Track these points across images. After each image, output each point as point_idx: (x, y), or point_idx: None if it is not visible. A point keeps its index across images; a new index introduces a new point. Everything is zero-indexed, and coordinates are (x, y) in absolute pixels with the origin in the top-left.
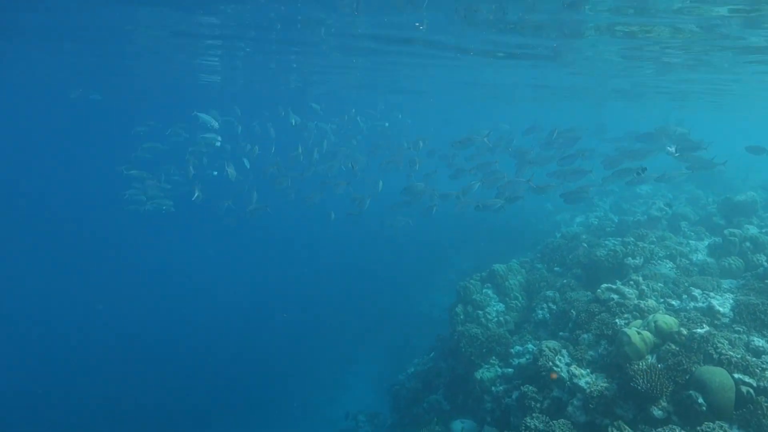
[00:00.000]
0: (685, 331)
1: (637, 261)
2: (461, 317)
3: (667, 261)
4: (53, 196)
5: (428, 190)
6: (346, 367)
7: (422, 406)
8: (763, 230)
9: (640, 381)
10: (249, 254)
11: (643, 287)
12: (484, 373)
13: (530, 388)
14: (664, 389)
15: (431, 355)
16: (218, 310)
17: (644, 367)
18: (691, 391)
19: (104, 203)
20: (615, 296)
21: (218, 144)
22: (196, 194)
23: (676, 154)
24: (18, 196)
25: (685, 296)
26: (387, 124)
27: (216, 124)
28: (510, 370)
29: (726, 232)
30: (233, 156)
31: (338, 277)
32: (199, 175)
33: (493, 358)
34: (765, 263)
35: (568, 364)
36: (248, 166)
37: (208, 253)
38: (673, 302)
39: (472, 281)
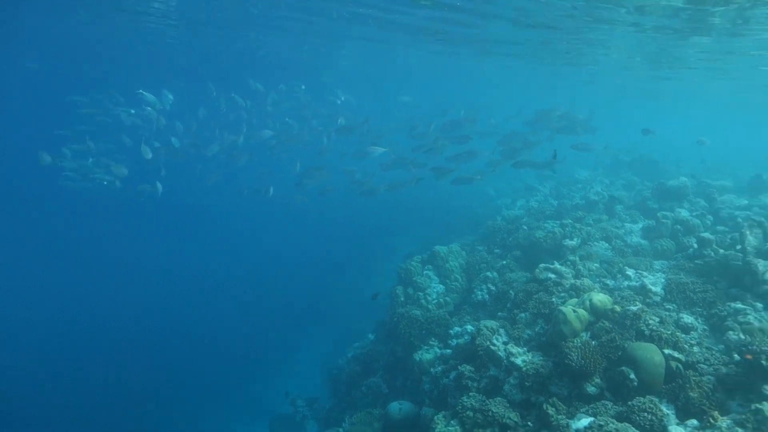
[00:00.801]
0: (618, 309)
1: (574, 242)
2: (402, 299)
3: (603, 242)
4: None
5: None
6: (290, 354)
7: (360, 389)
8: (694, 214)
9: (575, 358)
10: (190, 244)
11: (580, 267)
12: (423, 355)
13: (468, 367)
14: (598, 366)
15: (371, 338)
16: (158, 303)
17: (579, 344)
18: (623, 367)
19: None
20: (552, 276)
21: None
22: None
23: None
24: None
25: (619, 276)
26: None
27: (155, 100)
28: (449, 351)
29: (659, 215)
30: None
31: (281, 267)
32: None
33: (433, 339)
34: (695, 245)
35: (505, 343)
36: (177, 146)
37: (139, 242)
38: (608, 281)
39: (413, 263)
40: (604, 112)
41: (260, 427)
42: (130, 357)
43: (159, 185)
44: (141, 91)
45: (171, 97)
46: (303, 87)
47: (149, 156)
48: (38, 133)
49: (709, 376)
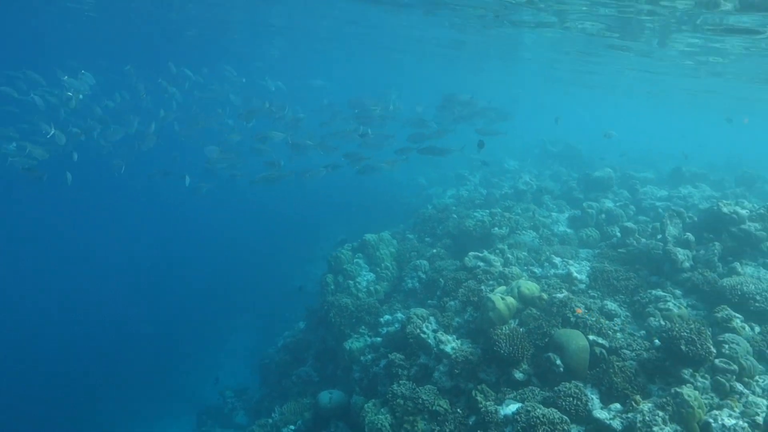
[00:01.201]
0: (545, 296)
1: (503, 231)
2: (332, 287)
3: (531, 231)
4: None
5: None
6: (220, 345)
7: (291, 378)
8: (618, 204)
9: (503, 345)
10: (115, 232)
11: (508, 255)
12: (353, 343)
13: (398, 355)
14: (525, 352)
15: (301, 326)
16: (81, 292)
17: (507, 331)
18: (550, 354)
19: None
20: (481, 264)
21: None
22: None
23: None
24: None
25: (546, 264)
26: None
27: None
28: (379, 339)
29: (584, 204)
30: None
31: (208, 256)
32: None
33: (363, 327)
34: (618, 234)
35: (435, 331)
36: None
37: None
38: (536, 270)
39: (343, 251)
40: (532, 102)
41: (189, 421)
42: (52, 351)
43: (68, 175)
44: (66, 77)
45: (91, 79)
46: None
47: (62, 141)
48: None
49: (632, 361)
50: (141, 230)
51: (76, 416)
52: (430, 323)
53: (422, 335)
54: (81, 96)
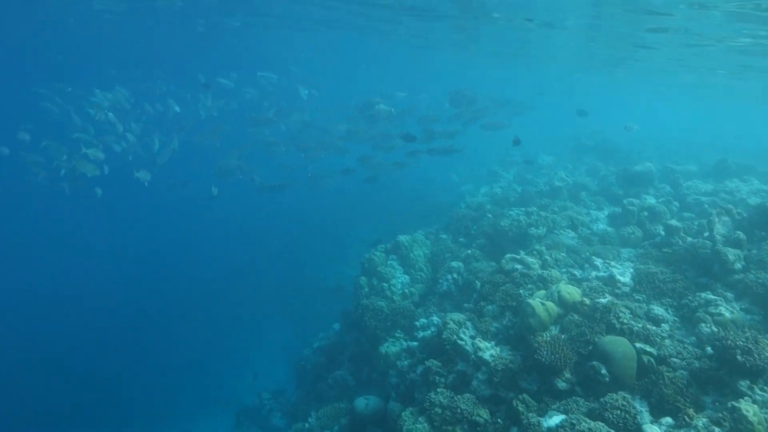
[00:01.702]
0: (587, 301)
1: (540, 231)
2: (366, 290)
3: (569, 230)
4: None
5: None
6: (257, 344)
7: (327, 381)
8: (660, 200)
9: (544, 353)
10: (157, 235)
11: (546, 257)
12: (389, 347)
13: (434, 362)
14: (568, 361)
15: (336, 328)
16: (122, 293)
17: (548, 338)
18: (594, 362)
19: None
20: (519, 266)
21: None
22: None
23: None
24: None
25: (587, 266)
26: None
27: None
28: (415, 343)
29: (625, 201)
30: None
31: (246, 257)
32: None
33: (398, 331)
34: (662, 232)
35: (472, 337)
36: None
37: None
38: (576, 272)
39: (376, 253)
40: (570, 97)
41: (226, 418)
42: (93, 348)
43: (99, 190)
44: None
45: (125, 92)
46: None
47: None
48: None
49: (683, 371)
50: (178, 232)
51: (116, 414)
52: (468, 329)
53: (459, 341)
54: (109, 113)
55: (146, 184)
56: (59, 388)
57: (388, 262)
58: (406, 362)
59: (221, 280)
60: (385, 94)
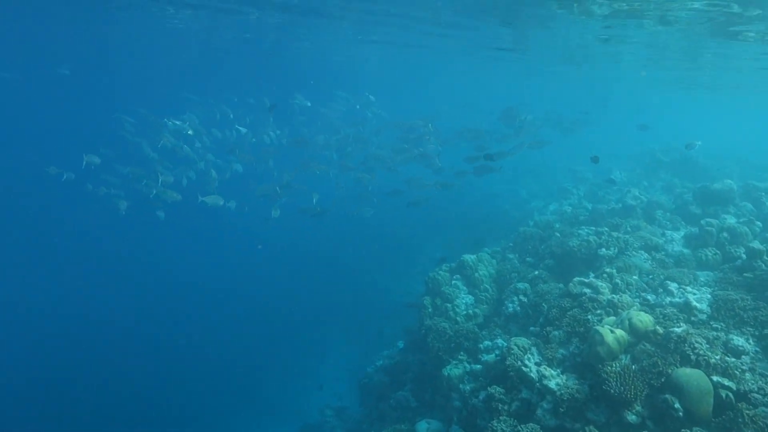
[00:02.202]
0: (660, 330)
1: (610, 252)
2: (429, 310)
3: (642, 252)
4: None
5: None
6: (321, 358)
7: (389, 402)
8: (741, 220)
9: (613, 384)
10: (218, 250)
11: (617, 280)
12: (452, 370)
13: (497, 389)
14: (639, 393)
15: (400, 346)
16: (194, 307)
17: (617, 368)
18: (667, 395)
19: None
20: (587, 290)
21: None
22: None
23: None
24: None
25: (660, 290)
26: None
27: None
28: (478, 366)
29: (703, 222)
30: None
31: (312, 270)
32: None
33: (462, 353)
34: (743, 255)
35: (537, 364)
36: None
37: (177, 248)
38: (649, 297)
39: (440, 272)
40: (640, 109)
41: None
42: (158, 363)
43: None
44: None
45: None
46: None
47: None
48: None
49: (764, 408)
50: (246, 247)
51: (184, 425)
52: (533, 355)
53: (524, 368)
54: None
55: (231, 208)
56: (126, 395)
57: (453, 282)
58: (468, 386)
59: (289, 295)
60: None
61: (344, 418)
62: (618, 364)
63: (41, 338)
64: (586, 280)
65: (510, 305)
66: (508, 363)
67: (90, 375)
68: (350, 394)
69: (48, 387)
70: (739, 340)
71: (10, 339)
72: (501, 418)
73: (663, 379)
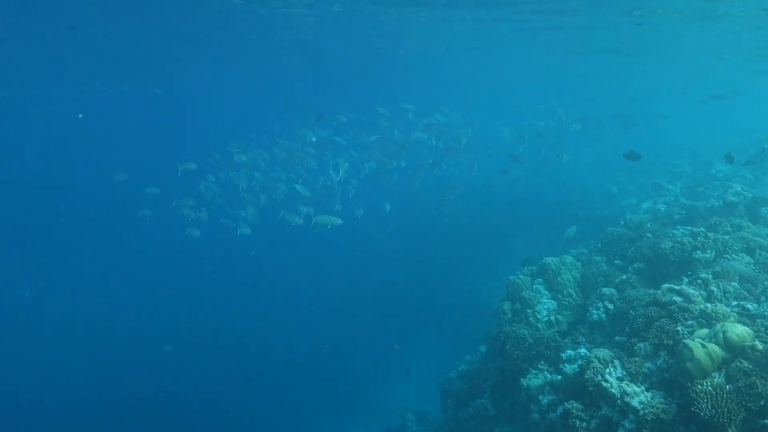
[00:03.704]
0: (760, 346)
1: (707, 255)
2: (509, 316)
3: (744, 255)
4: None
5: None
6: (406, 359)
7: (467, 410)
8: None
9: (704, 405)
10: (303, 248)
11: (713, 288)
12: (531, 380)
13: (575, 404)
14: (734, 417)
15: (482, 351)
16: (279, 305)
17: (709, 388)
18: (767, 421)
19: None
20: (678, 298)
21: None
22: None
23: None
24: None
25: (763, 299)
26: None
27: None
28: (559, 377)
29: None
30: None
31: (398, 269)
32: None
33: (542, 362)
34: None
35: (620, 379)
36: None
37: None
38: (749, 306)
39: (521, 276)
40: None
41: None
42: (248, 365)
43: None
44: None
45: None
46: None
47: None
48: None
49: None
50: (335, 247)
51: (274, 426)
52: (615, 368)
53: (604, 383)
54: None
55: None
56: (212, 398)
57: (534, 286)
58: (548, 398)
59: (376, 292)
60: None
61: (425, 422)
62: (710, 383)
63: (133, 341)
64: (677, 288)
65: (595, 312)
66: (587, 377)
67: (174, 378)
68: (434, 400)
69: (139, 390)
70: None
71: (104, 342)
72: None
73: (762, 402)
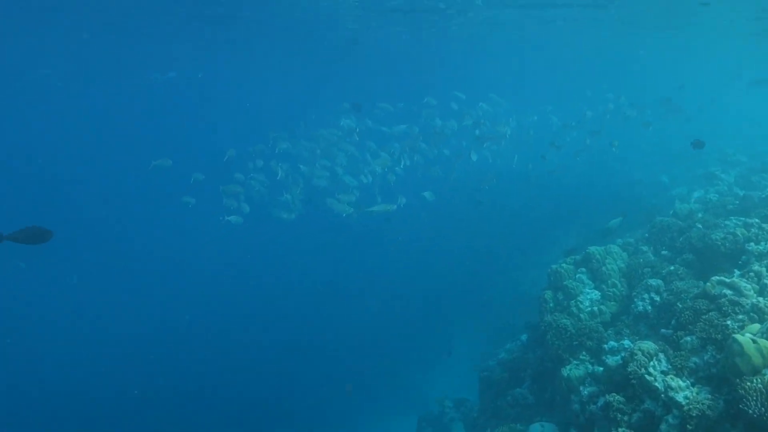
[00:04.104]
0: None
1: (761, 247)
2: (550, 305)
3: None
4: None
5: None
6: (449, 340)
7: (506, 399)
8: None
9: (752, 404)
10: (345, 239)
11: (766, 281)
12: (572, 371)
13: (617, 397)
14: None
15: (523, 340)
16: (322, 294)
17: (759, 385)
18: None
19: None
20: (728, 291)
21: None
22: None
23: None
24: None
25: None
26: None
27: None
28: (601, 369)
29: None
30: None
31: (440, 258)
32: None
33: (584, 353)
34: None
35: (664, 373)
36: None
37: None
38: None
39: (564, 265)
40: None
41: (411, 422)
42: (291, 354)
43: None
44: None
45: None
46: None
47: None
48: None
49: None
50: (374, 237)
51: (308, 410)
52: (659, 362)
53: (647, 377)
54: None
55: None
56: (251, 392)
57: (577, 276)
58: (588, 390)
59: (416, 281)
60: None
61: (463, 409)
62: (760, 381)
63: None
64: (727, 280)
65: (640, 303)
66: (630, 369)
67: (219, 376)
68: (472, 388)
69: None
70: None
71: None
72: (620, 429)
73: None
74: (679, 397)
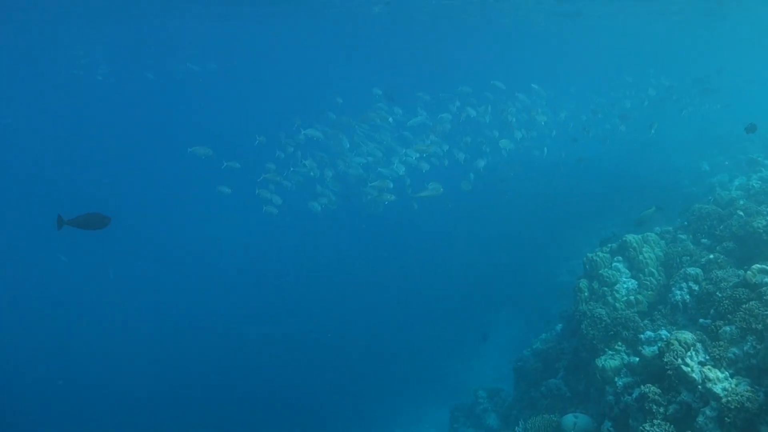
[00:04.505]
0: None
1: None
2: (585, 294)
3: None
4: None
5: None
6: (484, 326)
7: (540, 389)
8: None
9: None
10: (383, 229)
11: None
12: (607, 361)
13: (652, 388)
14: None
15: (557, 330)
16: (359, 285)
17: None
18: None
19: None
20: None
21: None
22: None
23: None
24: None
25: None
26: None
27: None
28: (636, 359)
29: None
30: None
31: (477, 247)
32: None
33: (619, 343)
34: None
35: (702, 363)
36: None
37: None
38: None
39: (599, 253)
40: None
41: (444, 412)
42: (327, 346)
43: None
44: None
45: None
46: None
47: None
48: None
49: None
50: (411, 225)
51: (342, 399)
52: (697, 352)
53: (684, 367)
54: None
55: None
56: (288, 386)
57: (613, 264)
58: (623, 381)
59: (454, 270)
60: None
61: (497, 400)
62: None
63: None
64: None
65: (678, 293)
66: (666, 360)
67: (257, 371)
68: (507, 378)
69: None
70: None
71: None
72: (655, 421)
73: None
74: (717, 389)
